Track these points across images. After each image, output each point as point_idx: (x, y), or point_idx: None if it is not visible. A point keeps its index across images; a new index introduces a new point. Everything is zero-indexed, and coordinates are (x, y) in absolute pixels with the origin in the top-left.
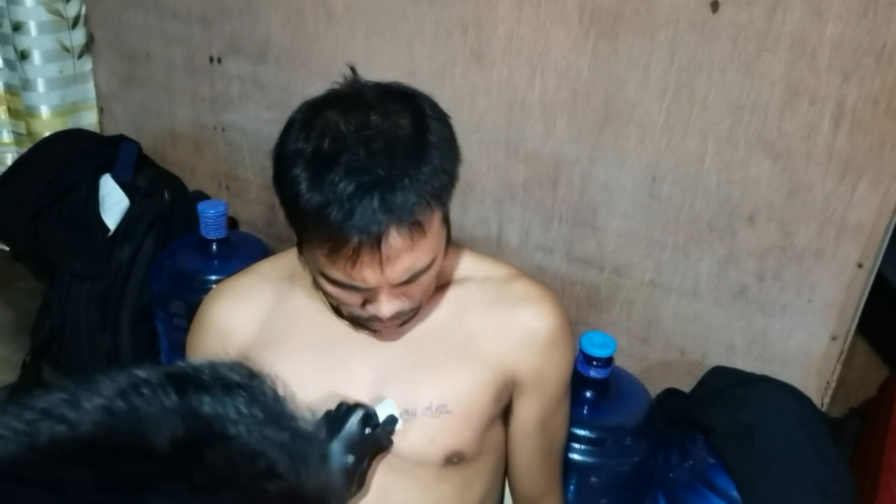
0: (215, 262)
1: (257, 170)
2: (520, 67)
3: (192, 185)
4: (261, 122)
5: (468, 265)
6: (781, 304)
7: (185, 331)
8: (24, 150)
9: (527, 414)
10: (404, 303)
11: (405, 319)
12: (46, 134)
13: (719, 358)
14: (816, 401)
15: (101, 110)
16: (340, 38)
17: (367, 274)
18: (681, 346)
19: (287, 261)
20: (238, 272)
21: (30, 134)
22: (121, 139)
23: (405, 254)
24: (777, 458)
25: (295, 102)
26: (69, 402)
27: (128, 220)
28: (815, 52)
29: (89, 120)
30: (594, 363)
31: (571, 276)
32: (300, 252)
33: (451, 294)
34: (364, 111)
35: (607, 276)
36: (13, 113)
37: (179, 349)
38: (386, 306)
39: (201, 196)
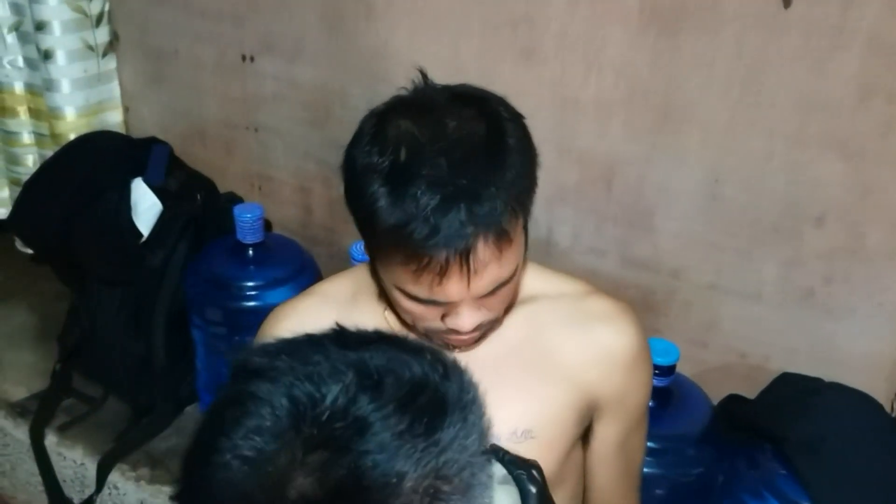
0: (251, 267)
1: (292, 171)
2: (573, 65)
3: (222, 186)
4: (295, 122)
5: (537, 280)
6: (850, 307)
7: (223, 338)
8: (45, 150)
9: (607, 436)
10: (485, 314)
11: (484, 332)
12: (72, 135)
13: (781, 362)
14: (885, 406)
15: (126, 110)
16: (381, 36)
17: (453, 290)
18: (741, 349)
19: (349, 280)
20: (299, 294)
21: (54, 136)
22: (151, 141)
23: (493, 265)
24: (852, 469)
25: (332, 102)
26: None
27: (160, 224)
28: (892, 49)
29: (115, 120)
30: (655, 371)
31: (625, 279)
32: (374, 268)
33: (524, 311)
34: (437, 118)
35: (664, 278)
36: (34, 113)
37: (217, 356)
38: (467, 319)
39: (234, 198)
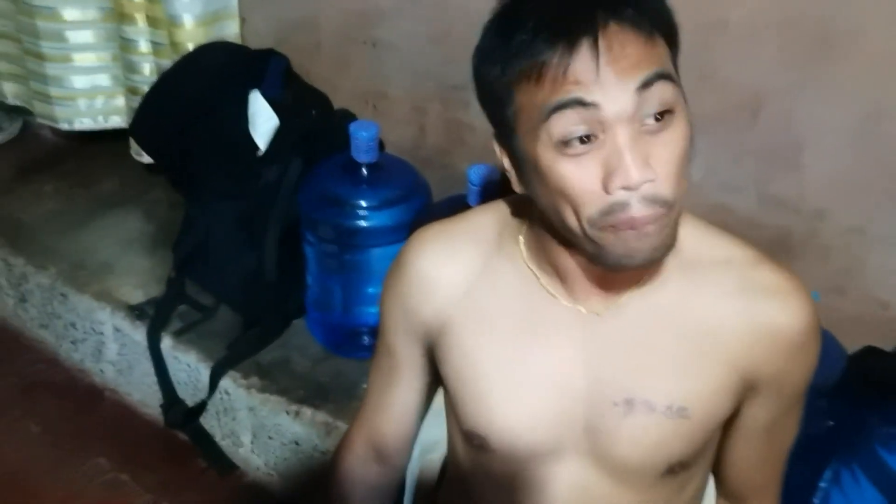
0: (365, 186)
1: (408, 88)
2: None
3: (335, 103)
4: (414, 38)
5: (700, 242)
6: None
7: (334, 255)
8: (162, 60)
9: (755, 417)
10: (651, 169)
11: (660, 220)
12: (189, 45)
13: None
14: None
15: (242, 21)
16: None
17: (583, 74)
18: (883, 299)
19: (497, 216)
20: (449, 219)
21: (172, 44)
22: (269, 53)
23: (632, 50)
24: None
25: (453, 18)
26: None
27: (276, 139)
28: None
29: (231, 30)
30: None
31: (759, 218)
32: (517, 150)
33: (680, 274)
34: None
35: (805, 219)
36: (151, 21)
37: (327, 273)
38: (629, 157)
39: (348, 115)
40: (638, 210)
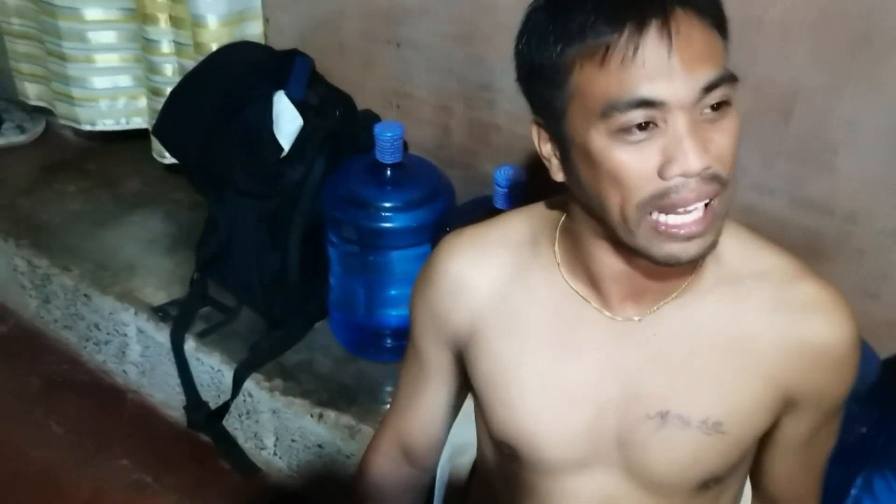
0: (389, 187)
1: (433, 89)
2: None
3: (359, 103)
4: (440, 37)
5: (739, 250)
6: None
7: (357, 256)
8: (185, 60)
9: (794, 431)
10: (710, 157)
11: (711, 205)
12: (213, 45)
13: None
14: None
15: (266, 20)
16: None
17: (652, 56)
18: None
19: (531, 220)
20: (478, 225)
21: (196, 45)
22: (294, 53)
23: (698, 37)
24: None
25: (478, 17)
26: None
27: (300, 139)
28: None
29: (255, 31)
30: None
31: (791, 221)
32: (564, 134)
33: (720, 287)
34: None
35: (837, 222)
36: (174, 21)
37: (350, 274)
38: (689, 143)
39: (371, 115)
40: (694, 189)
